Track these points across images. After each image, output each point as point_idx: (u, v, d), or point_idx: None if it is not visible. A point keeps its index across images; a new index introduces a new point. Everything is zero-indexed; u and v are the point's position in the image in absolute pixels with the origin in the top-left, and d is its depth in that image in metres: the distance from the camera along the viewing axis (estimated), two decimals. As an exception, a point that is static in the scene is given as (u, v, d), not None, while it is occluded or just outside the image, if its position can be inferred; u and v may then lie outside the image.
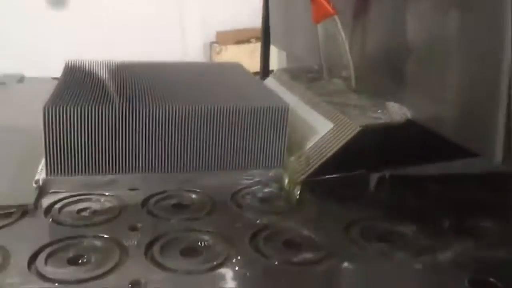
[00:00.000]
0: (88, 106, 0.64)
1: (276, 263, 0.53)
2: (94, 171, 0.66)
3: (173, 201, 0.66)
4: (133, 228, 0.59)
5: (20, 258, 0.51)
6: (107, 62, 0.89)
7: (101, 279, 0.49)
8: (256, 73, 1.29)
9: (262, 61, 1.33)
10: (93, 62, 0.88)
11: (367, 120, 0.69)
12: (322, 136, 0.71)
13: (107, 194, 0.66)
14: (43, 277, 0.49)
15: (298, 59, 1.14)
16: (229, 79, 0.86)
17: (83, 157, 0.65)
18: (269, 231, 0.59)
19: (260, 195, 0.68)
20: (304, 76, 0.95)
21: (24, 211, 0.60)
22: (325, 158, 0.68)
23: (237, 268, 0.52)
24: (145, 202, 0.65)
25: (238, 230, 0.59)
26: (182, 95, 0.72)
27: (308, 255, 0.55)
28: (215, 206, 0.65)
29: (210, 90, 0.77)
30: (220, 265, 0.53)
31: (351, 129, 0.68)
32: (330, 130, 0.71)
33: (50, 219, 0.60)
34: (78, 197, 0.65)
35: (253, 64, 3.93)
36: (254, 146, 0.69)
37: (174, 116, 0.66)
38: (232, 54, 4.76)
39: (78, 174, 0.66)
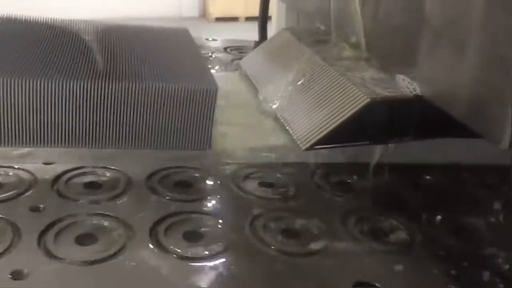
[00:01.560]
0: (4, 78, 0.61)
1: (175, 256, 0.52)
2: (9, 142, 0.64)
3: (87, 179, 0.64)
4: (35, 209, 0.57)
5: None
6: (42, 21, 0.84)
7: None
8: (251, 18, 1.26)
9: (261, 8, 1.31)
10: (28, 19, 0.83)
11: (376, 92, 0.68)
12: (330, 106, 0.71)
13: (16, 167, 0.64)
14: None
15: (305, 16, 1.11)
16: (167, 51, 0.82)
17: None
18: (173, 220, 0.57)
19: (177, 179, 0.66)
20: (310, 38, 0.92)
21: None
22: (331, 128, 0.68)
23: (128, 262, 0.51)
24: (56, 179, 0.63)
25: (141, 218, 0.57)
26: (108, 70, 0.69)
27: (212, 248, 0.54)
28: (129, 187, 0.63)
29: (141, 64, 0.73)
30: (114, 255, 0.51)
31: (360, 100, 0.67)
32: (338, 100, 0.70)
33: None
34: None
35: (248, 8, 3.88)
36: (180, 127, 0.67)
37: (93, 93, 0.63)
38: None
39: None
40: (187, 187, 0.64)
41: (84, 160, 0.66)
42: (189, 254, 0.52)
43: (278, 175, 0.68)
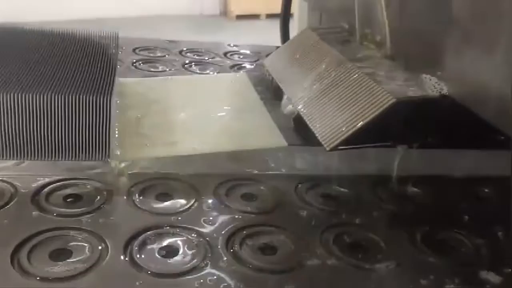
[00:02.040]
0: None
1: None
2: None
3: None
4: None
5: None
6: None
7: None
8: (272, 15, 1.26)
9: (284, 6, 1.28)
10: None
11: (401, 92, 0.67)
12: (355, 106, 0.70)
13: None
14: None
15: (329, 15, 1.08)
16: (83, 58, 0.79)
17: None
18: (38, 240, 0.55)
19: (69, 190, 0.65)
20: (334, 37, 0.90)
21: None
22: (356, 128, 0.67)
23: None
24: None
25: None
26: (5, 78, 0.68)
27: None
28: (13, 198, 0.62)
29: (47, 74, 0.71)
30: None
31: (386, 100, 0.66)
32: (363, 100, 0.69)
33: None
34: None
35: (269, 5, 3.85)
36: (77, 138, 0.65)
37: None
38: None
39: None
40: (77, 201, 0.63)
41: None
42: (51, 274, 0.51)
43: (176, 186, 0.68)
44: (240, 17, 4.70)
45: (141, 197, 0.65)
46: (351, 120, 0.68)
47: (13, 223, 0.57)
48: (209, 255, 0.55)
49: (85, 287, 0.50)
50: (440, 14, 0.66)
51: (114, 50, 0.84)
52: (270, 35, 1.51)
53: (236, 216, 0.63)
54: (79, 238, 0.56)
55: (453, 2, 0.63)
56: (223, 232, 0.59)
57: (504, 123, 0.56)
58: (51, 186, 0.65)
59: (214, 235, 0.58)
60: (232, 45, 1.27)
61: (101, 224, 0.59)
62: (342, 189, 0.71)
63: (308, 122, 0.75)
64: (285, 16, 1.32)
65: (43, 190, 0.64)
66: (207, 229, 0.60)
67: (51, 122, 0.64)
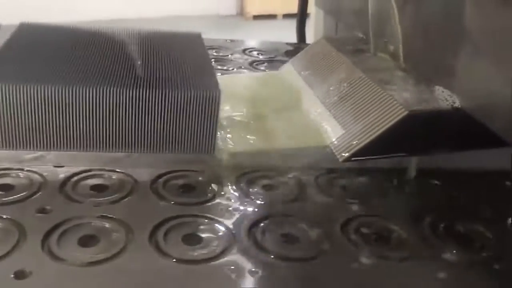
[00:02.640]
0: (18, 84, 0.63)
1: (174, 260, 0.53)
2: (21, 146, 0.65)
3: (94, 181, 0.65)
4: (41, 211, 0.59)
5: None
6: (64, 29, 0.86)
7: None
8: (289, 15, 1.25)
9: (300, 9, 1.31)
10: (48, 27, 0.85)
11: (414, 104, 0.68)
12: (368, 117, 0.71)
13: (26, 169, 0.66)
14: None
15: (345, 25, 1.09)
16: (177, 56, 0.82)
17: (12, 132, 0.64)
18: (171, 224, 0.58)
19: (182, 182, 0.67)
20: (349, 47, 0.91)
21: None
22: (369, 140, 0.68)
23: (131, 262, 0.52)
24: (65, 181, 0.64)
25: (142, 220, 0.58)
26: (118, 76, 0.70)
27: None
28: (134, 190, 0.64)
29: (149, 71, 0.74)
30: (115, 256, 0.53)
31: (398, 113, 0.67)
32: (376, 112, 0.70)
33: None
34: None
35: (285, 5, 3.86)
36: (185, 131, 0.68)
37: (105, 99, 0.65)
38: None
39: (7, 148, 0.65)
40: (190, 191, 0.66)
41: (92, 163, 0.68)
42: (187, 257, 0.54)
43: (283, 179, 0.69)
44: (257, 17, 4.70)
45: (250, 188, 0.67)
46: (364, 132, 0.69)
47: (141, 211, 0.61)
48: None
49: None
50: (452, 26, 0.66)
51: (203, 48, 0.88)
52: (287, 35, 1.50)
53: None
54: (206, 225, 0.59)
55: (465, 14, 0.62)
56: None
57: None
58: (166, 176, 0.68)
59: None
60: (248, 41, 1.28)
61: (220, 211, 0.62)
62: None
63: (322, 131, 0.76)
64: (301, 17, 1.34)
65: (158, 180, 0.67)
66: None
67: (164, 117, 0.67)
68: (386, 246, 0.58)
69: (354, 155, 0.68)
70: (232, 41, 1.23)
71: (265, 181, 0.69)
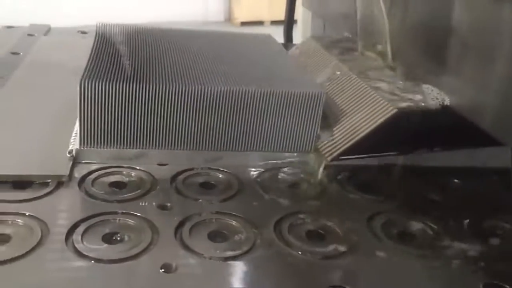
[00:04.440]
0: (123, 84, 0.65)
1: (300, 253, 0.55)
2: (124, 144, 0.67)
3: (201, 179, 0.67)
4: (163, 207, 0.60)
5: (57, 231, 0.54)
6: (139, 29, 0.88)
7: (135, 260, 0.52)
8: (276, 22, 1.26)
9: (287, 12, 1.30)
10: (124, 28, 0.87)
11: (402, 102, 0.68)
12: (356, 116, 0.70)
13: (137, 168, 0.67)
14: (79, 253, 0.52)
15: (332, 24, 1.09)
16: (259, 56, 0.84)
17: (114, 130, 0.66)
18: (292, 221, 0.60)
19: (285, 178, 0.69)
20: (337, 47, 0.91)
21: (59, 182, 0.62)
22: (357, 138, 0.67)
23: (260, 258, 0.54)
24: (173, 179, 0.66)
25: (263, 215, 0.60)
26: (215, 75, 0.72)
27: (330, 247, 0.56)
28: (242, 187, 0.66)
29: (242, 69, 0.76)
30: (246, 253, 0.54)
31: (387, 111, 0.67)
32: (364, 110, 0.70)
33: (84, 192, 0.62)
34: (110, 169, 0.67)
35: (273, 12, 3.84)
36: (286, 129, 0.70)
37: (205, 97, 0.67)
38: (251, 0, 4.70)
39: (109, 147, 0.67)
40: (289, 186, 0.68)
41: (193, 162, 0.70)
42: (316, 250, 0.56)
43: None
44: (244, 23, 4.71)
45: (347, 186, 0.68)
46: (351, 131, 0.69)
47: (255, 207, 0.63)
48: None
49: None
50: (440, 25, 0.67)
51: (283, 50, 0.89)
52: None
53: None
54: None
55: (453, 12, 0.63)
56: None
57: (502, 133, 0.57)
58: (270, 172, 0.70)
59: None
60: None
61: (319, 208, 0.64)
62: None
63: None
64: (288, 23, 1.33)
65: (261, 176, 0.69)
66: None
67: (268, 115, 0.69)
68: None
69: (342, 154, 0.68)
70: None
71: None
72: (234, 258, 0.54)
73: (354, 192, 0.67)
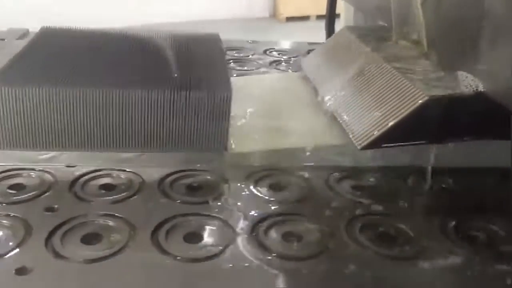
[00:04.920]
0: (29, 87, 0.64)
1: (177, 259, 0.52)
2: (36, 147, 0.66)
3: (103, 181, 0.65)
4: (49, 209, 0.58)
5: None
6: (85, 32, 0.88)
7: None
8: (322, 16, 1.26)
9: (329, 5, 1.27)
10: (66, 32, 0.87)
11: (434, 89, 0.65)
12: (388, 104, 0.69)
13: (39, 170, 0.66)
14: None
15: (368, 14, 1.08)
16: (189, 57, 0.83)
17: (26, 133, 0.65)
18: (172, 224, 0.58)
19: (189, 182, 0.66)
20: (371, 36, 0.89)
21: None
22: (388, 126, 0.66)
23: (132, 259, 0.52)
24: (74, 181, 0.64)
25: (146, 219, 0.58)
26: (129, 77, 0.71)
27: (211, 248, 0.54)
28: (141, 189, 0.63)
29: (162, 72, 0.75)
30: (114, 254, 0.52)
31: (418, 98, 0.65)
32: (396, 98, 0.68)
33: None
34: (12, 172, 0.65)
35: (318, 6, 3.78)
36: (195, 130, 0.68)
37: (111, 100, 0.65)
38: (296, -5, 4.66)
39: (23, 149, 0.66)
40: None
41: (103, 163, 0.68)
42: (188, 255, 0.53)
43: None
44: (290, 19, 4.66)
45: (257, 187, 0.66)
46: (383, 119, 0.67)
47: (146, 209, 0.61)
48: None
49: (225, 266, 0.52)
50: (473, 10, 0.63)
51: (220, 49, 0.88)
52: (320, 35, 1.50)
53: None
54: (209, 223, 0.59)
55: None
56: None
57: None
58: (173, 176, 0.67)
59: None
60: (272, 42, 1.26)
61: (228, 210, 0.61)
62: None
63: (339, 121, 0.74)
64: (330, 16, 1.31)
65: (167, 180, 0.67)
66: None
67: (176, 117, 0.67)
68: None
69: (373, 142, 0.66)
70: (253, 42, 1.22)
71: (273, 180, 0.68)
72: (99, 260, 0.51)
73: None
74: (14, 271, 0.49)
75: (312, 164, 0.72)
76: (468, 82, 0.64)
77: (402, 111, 0.65)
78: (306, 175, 0.68)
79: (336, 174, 0.69)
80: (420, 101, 0.64)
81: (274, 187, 0.66)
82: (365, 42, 0.86)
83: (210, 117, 0.68)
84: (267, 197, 0.64)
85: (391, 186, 0.67)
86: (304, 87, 0.92)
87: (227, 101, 0.67)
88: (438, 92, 0.65)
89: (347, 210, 0.61)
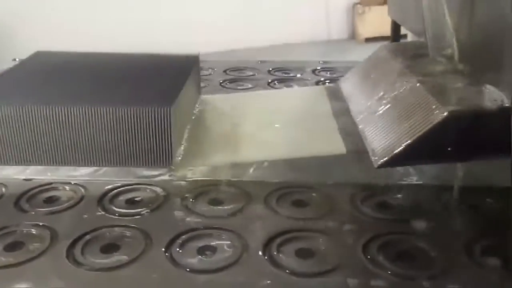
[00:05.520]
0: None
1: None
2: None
3: (48, 194, 0.69)
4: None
5: None
6: (77, 55, 0.94)
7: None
8: (404, 36, 1.27)
9: (393, 26, 1.31)
10: (58, 55, 0.94)
11: (457, 104, 0.64)
12: (411, 120, 0.67)
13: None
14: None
15: (413, 32, 1.07)
16: (153, 76, 0.86)
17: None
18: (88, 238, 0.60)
19: (131, 194, 0.69)
20: (407, 53, 0.89)
21: None
22: (405, 145, 0.64)
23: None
24: (22, 195, 0.68)
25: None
26: (88, 95, 0.76)
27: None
28: (82, 202, 0.67)
29: (118, 90, 0.79)
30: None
31: (439, 114, 0.62)
32: (419, 114, 0.66)
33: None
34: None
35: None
36: (139, 145, 0.70)
37: (61, 116, 0.69)
38: (375, 15, 4.59)
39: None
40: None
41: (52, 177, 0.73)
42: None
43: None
44: (369, 39, 4.61)
45: (194, 202, 0.68)
46: (402, 137, 0.65)
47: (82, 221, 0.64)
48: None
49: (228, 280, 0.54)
50: (498, 22, 0.63)
51: (189, 68, 0.91)
52: None
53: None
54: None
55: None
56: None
57: None
58: (117, 190, 0.71)
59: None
60: (321, 61, 1.27)
61: (153, 223, 0.63)
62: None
63: (362, 137, 0.74)
64: (394, 37, 1.32)
65: (109, 194, 0.70)
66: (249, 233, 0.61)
67: (121, 133, 0.70)
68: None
69: (389, 161, 0.64)
70: (303, 62, 1.23)
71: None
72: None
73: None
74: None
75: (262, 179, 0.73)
76: (493, 97, 0.62)
77: (421, 128, 0.63)
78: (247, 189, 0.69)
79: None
80: (441, 116, 0.61)
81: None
82: (399, 59, 0.85)
83: (153, 132, 0.69)
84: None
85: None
86: (321, 100, 0.95)
87: (167, 116, 0.69)
88: (460, 107, 0.62)
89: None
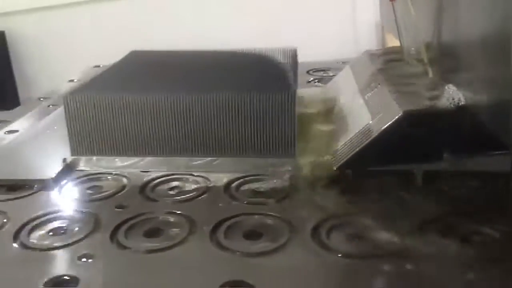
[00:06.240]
0: (105, 95, 0.72)
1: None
2: (115, 153, 0.76)
3: (173, 184, 0.73)
4: (120, 207, 0.68)
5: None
6: (169, 53, 0.99)
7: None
8: None
9: None
10: (155, 52, 0.99)
11: (414, 105, 0.64)
12: (366, 124, 0.69)
13: (115, 173, 0.77)
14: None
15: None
16: (260, 67, 0.87)
17: (103, 140, 0.75)
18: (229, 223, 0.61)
19: (258, 185, 0.70)
20: (385, 57, 0.93)
21: (43, 186, 0.74)
22: (361, 146, 0.65)
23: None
24: (145, 185, 0.74)
25: (206, 219, 0.63)
26: (199, 84, 0.77)
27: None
28: (208, 192, 0.69)
29: (229, 80, 0.79)
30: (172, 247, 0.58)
31: (393, 114, 0.64)
32: (379, 116, 0.68)
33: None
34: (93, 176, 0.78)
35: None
36: (260, 134, 0.69)
37: (181, 105, 0.71)
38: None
39: (100, 155, 0.77)
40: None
41: (171, 168, 0.77)
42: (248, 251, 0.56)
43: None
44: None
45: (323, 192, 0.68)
46: (362, 138, 0.67)
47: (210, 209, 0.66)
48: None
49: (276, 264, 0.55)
50: (451, 26, 0.66)
51: (292, 60, 0.92)
52: None
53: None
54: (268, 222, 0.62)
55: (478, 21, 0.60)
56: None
57: (499, 130, 0.53)
58: (239, 181, 0.71)
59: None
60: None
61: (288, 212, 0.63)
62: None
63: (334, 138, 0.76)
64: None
65: (233, 184, 0.70)
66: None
67: (243, 121, 0.70)
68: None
69: (345, 165, 0.65)
70: (343, 62, 1.26)
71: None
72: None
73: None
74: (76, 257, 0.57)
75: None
76: (450, 95, 0.64)
77: (379, 128, 0.65)
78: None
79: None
80: (395, 117, 0.63)
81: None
82: (376, 63, 0.89)
83: (276, 119, 0.68)
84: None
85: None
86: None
87: (291, 98, 0.67)
88: (415, 107, 0.64)
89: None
